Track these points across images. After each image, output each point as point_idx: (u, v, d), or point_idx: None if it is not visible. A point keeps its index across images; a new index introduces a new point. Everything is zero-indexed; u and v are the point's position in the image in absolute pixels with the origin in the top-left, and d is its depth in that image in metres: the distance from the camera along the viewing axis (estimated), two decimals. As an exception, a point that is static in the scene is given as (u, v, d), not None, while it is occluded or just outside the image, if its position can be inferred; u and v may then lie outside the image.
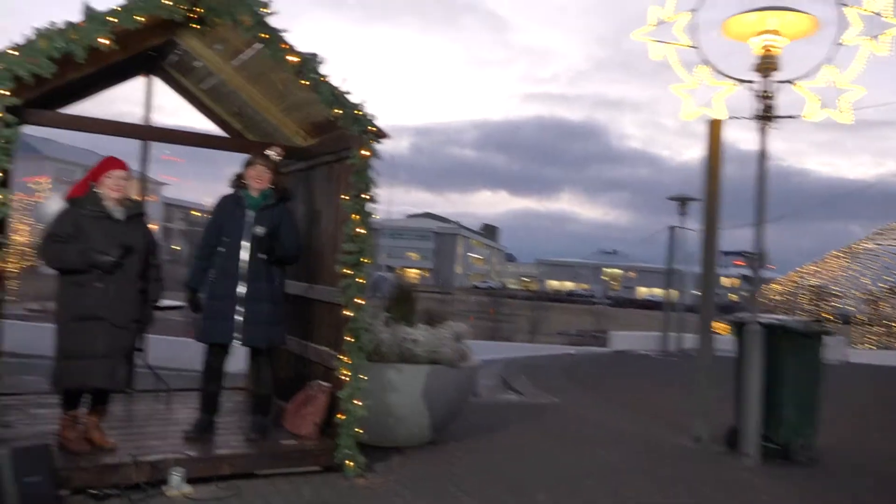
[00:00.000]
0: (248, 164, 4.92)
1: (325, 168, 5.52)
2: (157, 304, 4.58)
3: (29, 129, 4.40)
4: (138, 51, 5.04)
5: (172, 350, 8.31)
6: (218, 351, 4.83)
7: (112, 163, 4.35)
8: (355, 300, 4.79)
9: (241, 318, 4.71)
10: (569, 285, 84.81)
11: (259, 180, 4.86)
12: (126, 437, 4.58)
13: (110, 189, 4.28)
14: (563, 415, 7.81)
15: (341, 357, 4.79)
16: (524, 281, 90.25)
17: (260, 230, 4.73)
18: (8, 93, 3.84)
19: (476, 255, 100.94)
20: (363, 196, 4.81)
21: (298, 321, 5.54)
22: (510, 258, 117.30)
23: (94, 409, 4.40)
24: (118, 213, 4.33)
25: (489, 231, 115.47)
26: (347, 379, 4.76)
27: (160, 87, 6.35)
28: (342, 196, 4.87)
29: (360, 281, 4.81)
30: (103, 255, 4.11)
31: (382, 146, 4.90)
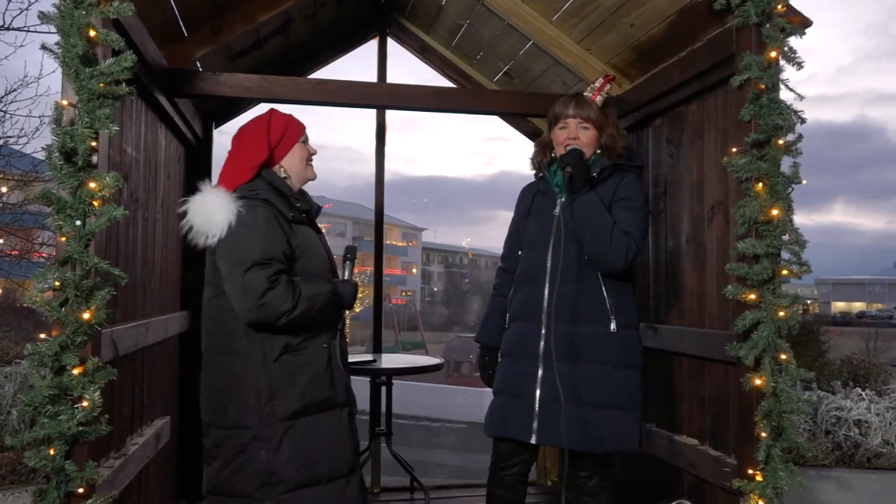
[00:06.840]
0: (552, 122, 2.72)
1: (669, 118, 3.19)
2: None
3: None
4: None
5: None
6: (512, 450, 2.62)
7: (291, 119, 2.30)
8: (774, 354, 2.34)
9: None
10: (857, 306, 73.64)
11: (573, 144, 2.61)
12: None
13: (299, 168, 2.30)
14: None
15: (750, 472, 2.34)
16: (803, 304, 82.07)
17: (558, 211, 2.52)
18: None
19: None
20: (776, 142, 2.37)
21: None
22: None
23: None
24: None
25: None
26: (765, 514, 2.30)
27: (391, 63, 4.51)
28: (731, 151, 2.45)
29: (782, 315, 2.34)
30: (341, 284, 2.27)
31: (802, 42, 2.44)
